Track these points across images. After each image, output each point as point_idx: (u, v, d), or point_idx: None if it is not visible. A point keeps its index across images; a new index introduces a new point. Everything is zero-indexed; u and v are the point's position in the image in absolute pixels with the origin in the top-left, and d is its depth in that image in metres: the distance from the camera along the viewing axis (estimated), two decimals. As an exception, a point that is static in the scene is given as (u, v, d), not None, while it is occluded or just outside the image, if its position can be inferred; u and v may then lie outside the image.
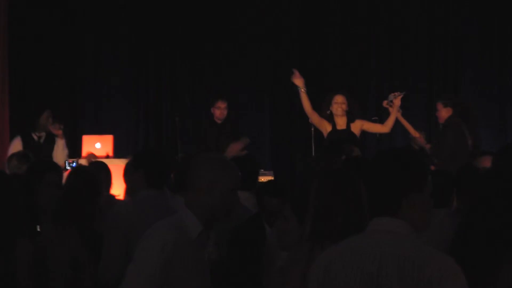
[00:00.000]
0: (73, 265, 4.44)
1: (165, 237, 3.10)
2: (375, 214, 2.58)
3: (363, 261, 2.51)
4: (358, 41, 11.42)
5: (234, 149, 8.70)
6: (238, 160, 4.82)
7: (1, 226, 3.58)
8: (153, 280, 3.08)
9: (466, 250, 3.13)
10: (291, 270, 3.39)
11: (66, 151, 9.22)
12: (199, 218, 3.20)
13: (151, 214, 4.07)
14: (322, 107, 8.44)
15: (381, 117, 9.28)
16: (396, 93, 8.58)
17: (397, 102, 8.52)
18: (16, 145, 8.87)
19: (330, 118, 8.33)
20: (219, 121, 9.17)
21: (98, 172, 5.50)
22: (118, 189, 6.40)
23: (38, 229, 4.61)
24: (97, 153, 9.54)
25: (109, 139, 10.02)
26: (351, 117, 8.32)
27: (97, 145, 9.77)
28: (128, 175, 4.85)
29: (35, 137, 9.06)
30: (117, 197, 6.16)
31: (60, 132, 9.14)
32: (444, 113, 8.75)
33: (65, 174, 7.20)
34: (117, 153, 9.89)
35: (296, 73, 8.53)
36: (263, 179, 8.94)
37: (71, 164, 8.51)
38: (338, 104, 8.33)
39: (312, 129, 8.95)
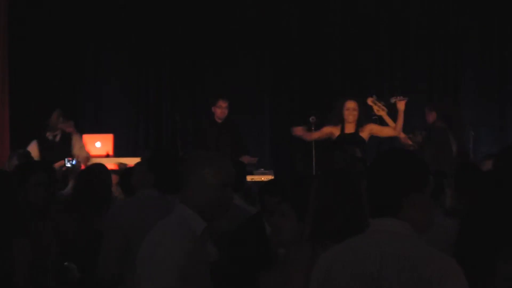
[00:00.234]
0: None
1: (181, 245, 3.09)
2: (375, 215, 2.58)
3: (363, 261, 2.51)
4: (358, 41, 11.41)
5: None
6: None
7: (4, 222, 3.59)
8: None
9: (467, 250, 3.13)
10: (292, 270, 3.39)
11: (83, 144, 9.20)
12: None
13: (151, 213, 4.07)
14: (332, 113, 8.47)
15: (382, 117, 9.28)
16: (399, 97, 8.58)
17: (401, 106, 8.52)
18: (33, 149, 8.87)
19: (339, 123, 8.37)
20: (219, 120, 9.16)
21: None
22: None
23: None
24: (97, 152, 9.55)
25: (109, 138, 10.03)
26: (360, 123, 8.34)
27: (97, 144, 9.78)
28: (138, 174, 4.85)
29: (50, 138, 9.03)
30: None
31: (71, 129, 9.11)
32: (429, 117, 8.87)
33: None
34: (117, 152, 9.90)
35: (294, 129, 8.77)
36: (263, 178, 8.97)
37: (71, 162, 8.50)
38: (350, 111, 8.36)
39: (313, 128, 8.96)
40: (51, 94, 10.84)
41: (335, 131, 8.39)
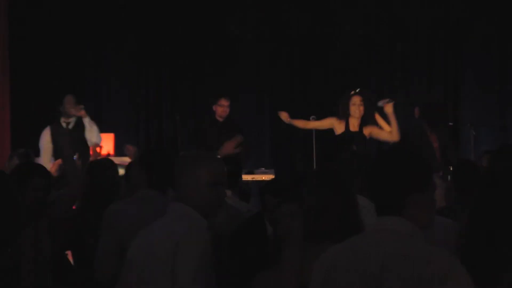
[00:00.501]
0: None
1: (205, 244, 3.12)
2: (378, 214, 2.58)
3: (365, 261, 2.52)
4: (358, 41, 11.41)
5: (228, 147, 8.72)
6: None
7: (4, 222, 3.60)
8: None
9: (471, 252, 3.13)
10: (287, 271, 3.40)
11: (95, 127, 9.20)
12: None
13: (150, 213, 4.07)
14: (339, 107, 8.48)
15: (382, 116, 9.29)
16: (385, 100, 8.55)
17: (389, 109, 8.48)
18: (45, 136, 8.92)
19: (344, 117, 8.37)
20: (220, 119, 9.15)
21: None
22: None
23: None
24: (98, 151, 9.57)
25: (110, 137, 10.04)
26: (364, 119, 8.34)
27: (98, 143, 9.78)
28: (132, 173, 4.86)
29: (64, 124, 9.06)
30: None
31: (82, 112, 9.12)
32: (415, 115, 8.90)
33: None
34: (118, 151, 9.91)
35: (281, 113, 8.85)
36: (264, 177, 8.98)
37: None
38: (356, 106, 8.35)
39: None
40: (52, 94, 10.84)
41: (338, 124, 8.40)
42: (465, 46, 11.33)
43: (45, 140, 8.96)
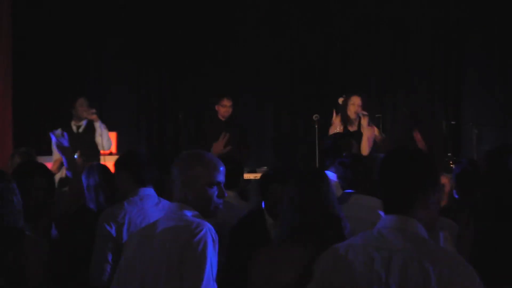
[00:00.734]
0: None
1: (207, 245, 3.12)
2: (386, 212, 2.59)
3: (372, 258, 2.52)
4: (359, 42, 11.40)
5: (217, 147, 8.72)
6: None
7: (10, 221, 3.60)
8: None
9: (484, 254, 3.13)
10: (282, 266, 3.42)
11: (105, 131, 9.16)
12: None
13: (141, 215, 4.08)
14: (339, 108, 8.52)
15: (384, 115, 9.30)
16: (364, 113, 8.51)
17: (364, 122, 8.45)
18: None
19: (344, 117, 8.40)
20: (223, 119, 9.15)
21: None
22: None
23: None
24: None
25: (112, 136, 10.04)
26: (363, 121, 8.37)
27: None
28: (116, 177, 4.87)
29: (74, 128, 9.03)
30: None
31: (94, 116, 9.07)
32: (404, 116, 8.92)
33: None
34: (121, 150, 9.91)
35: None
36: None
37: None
38: (355, 106, 8.39)
39: (316, 126, 8.96)
40: (53, 94, 10.85)
41: (339, 127, 8.44)
42: (466, 45, 11.30)
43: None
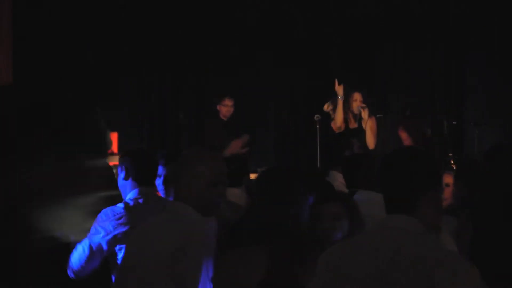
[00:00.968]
0: None
1: (207, 244, 3.15)
2: (388, 211, 2.59)
3: (374, 257, 2.51)
4: (359, 42, 11.40)
5: (235, 146, 8.70)
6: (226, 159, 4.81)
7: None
8: None
9: (483, 254, 3.12)
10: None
11: (107, 131, 9.14)
12: None
13: (138, 215, 4.08)
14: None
15: (384, 115, 9.29)
16: (363, 105, 8.51)
17: (365, 115, 8.44)
18: None
19: (346, 115, 8.40)
20: (224, 119, 9.15)
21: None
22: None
23: None
24: (100, 150, 9.57)
25: (113, 136, 10.04)
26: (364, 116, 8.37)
27: (101, 142, 9.78)
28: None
29: None
30: None
31: None
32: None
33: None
34: (122, 150, 9.91)
35: (336, 82, 8.59)
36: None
37: None
38: (356, 102, 8.40)
39: (318, 126, 8.97)
40: (54, 93, 10.83)
41: (341, 124, 8.46)
42: (467, 46, 11.30)
43: None
